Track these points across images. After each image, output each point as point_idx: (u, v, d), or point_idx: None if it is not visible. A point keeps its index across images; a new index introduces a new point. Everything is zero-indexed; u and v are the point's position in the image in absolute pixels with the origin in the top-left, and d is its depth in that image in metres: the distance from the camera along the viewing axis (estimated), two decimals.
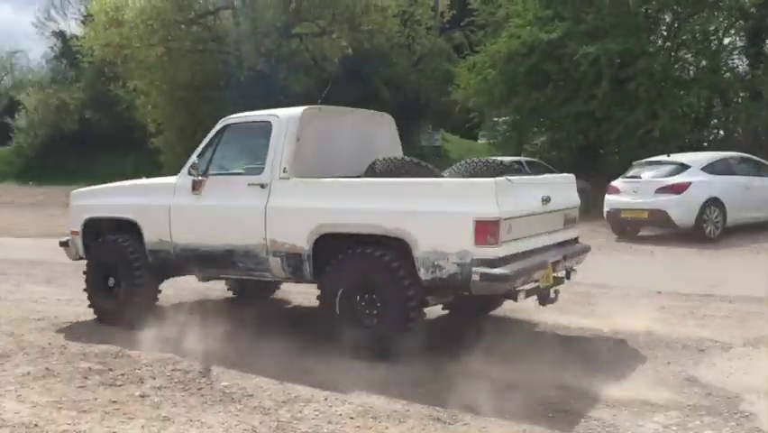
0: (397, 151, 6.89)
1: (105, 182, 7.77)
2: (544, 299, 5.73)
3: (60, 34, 41.67)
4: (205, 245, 6.24)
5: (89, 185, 8.10)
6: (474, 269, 5.05)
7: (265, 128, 6.11)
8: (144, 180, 7.43)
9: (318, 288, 5.65)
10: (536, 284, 5.53)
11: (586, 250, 6.52)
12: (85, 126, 33.88)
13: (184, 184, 6.45)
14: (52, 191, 27.68)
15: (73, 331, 6.50)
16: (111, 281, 6.76)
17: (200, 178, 6.33)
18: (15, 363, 5.51)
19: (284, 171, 5.88)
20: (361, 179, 5.99)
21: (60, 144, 33.39)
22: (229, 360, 5.42)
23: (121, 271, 6.66)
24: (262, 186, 5.95)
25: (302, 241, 5.68)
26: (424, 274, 5.22)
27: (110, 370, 5.31)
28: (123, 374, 5.21)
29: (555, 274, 5.69)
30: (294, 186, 5.85)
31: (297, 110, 6.11)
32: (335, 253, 5.53)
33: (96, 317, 6.87)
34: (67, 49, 38.31)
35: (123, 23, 24.96)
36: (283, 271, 5.87)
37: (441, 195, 5.35)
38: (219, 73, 24.63)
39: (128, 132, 31.79)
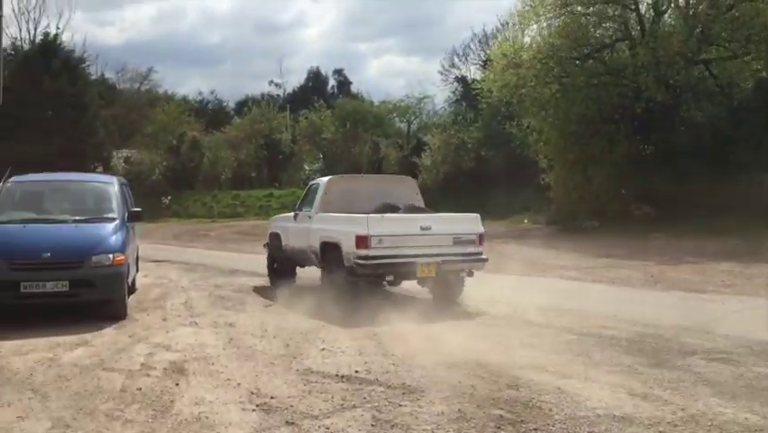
0: (415, 199, 11.68)
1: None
2: (421, 283, 10.36)
3: (462, 79, 45.24)
4: (296, 247, 11.84)
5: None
6: (354, 260, 9.51)
7: (318, 187, 11.67)
8: (286, 213, 13.46)
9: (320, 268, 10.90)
10: (415, 274, 9.75)
11: (479, 260, 10.21)
12: (480, 164, 36.00)
13: (292, 216, 12.29)
14: None
15: (479, 369, 6.42)
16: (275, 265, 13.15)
17: (296, 213, 12.08)
18: (429, 400, 5.54)
19: (317, 211, 11.21)
20: (328, 214, 10.93)
21: (459, 181, 35.93)
22: None
23: (277, 258, 12.94)
24: (309, 217, 11.38)
25: (317, 245, 10.76)
26: (346, 262, 9.75)
27: (521, 422, 5.00)
28: (535, 429, 4.85)
29: (428, 270, 9.62)
30: (319, 218, 11.06)
31: (327, 177, 12.08)
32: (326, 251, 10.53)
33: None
34: (467, 92, 41.38)
35: (521, 63, 25.75)
36: (315, 261, 11.13)
37: (351, 222, 9.96)
38: (614, 106, 23.78)
39: (520, 169, 32.86)
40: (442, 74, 45.47)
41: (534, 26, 26.39)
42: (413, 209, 10.88)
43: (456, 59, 45.04)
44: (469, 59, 44.98)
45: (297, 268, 12.47)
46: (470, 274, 10.17)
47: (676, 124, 23.02)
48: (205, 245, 23.28)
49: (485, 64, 43.18)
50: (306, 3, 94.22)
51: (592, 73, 24.67)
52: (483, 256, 10.21)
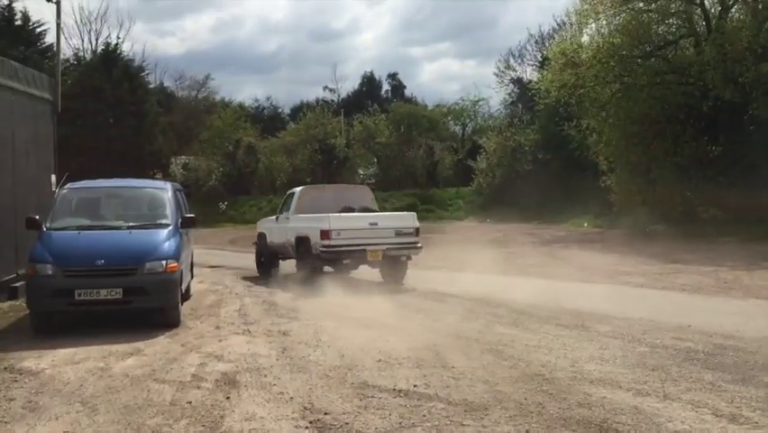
0: (369, 203, 14.97)
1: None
2: (371, 265, 13.29)
3: (518, 81, 44.58)
4: (278, 243, 14.93)
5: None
6: (320, 249, 12.75)
7: (294, 195, 14.92)
8: (269, 217, 16.66)
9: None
10: (366, 259, 12.91)
11: (415, 248, 13.42)
12: (537, 166, 35.32)
13: (274, 219, 15.50)
14: (509, 229, 29.13)
15: (546, 384, 5.99)
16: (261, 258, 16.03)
17: (277, 216, 15.30)
18: (494, 419, 5.16)
19: (293, 213, 14.34)
20: (301, 215, 14.11)
21: (515, 183, 35.32)
22: None
23: (263, 253, 15.85)
24: (287, 218, 14.49)
25: (293, 239, 13.83)
26: (314, 251, 12.99)
27: None
28: None
29: (375, 255, 12.82)
30: (294, 218, 14.18)
31: (301, 187, 15.77)
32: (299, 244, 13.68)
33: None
34: (523, 93, 40.71)
35: (580, 63, 25.05)
36: (292, 253, 14.17)
37: (317, 220, 13.06)
38: (678, 106, 22.84)
39: (578, 171, 32.10)
40: (497, 76, 44.85)
41: (593, 24, 25.72)
42: (365, 210, 14.42)
43: (512, 61, 44.31)
44: (525, 60, 44.12)
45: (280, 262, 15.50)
46: (409, 258, 13.47)
47: (745, 124, 21.94)
48: None
49: (542, 65, 42.52)
50: (361, 8, 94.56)
51: (655, 71, 23.76)
52: (419, 245, 13.47)
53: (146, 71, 45.74)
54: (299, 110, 54.80)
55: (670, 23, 24.20)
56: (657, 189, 23.76)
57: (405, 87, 70.85)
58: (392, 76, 72.59)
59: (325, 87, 67.84)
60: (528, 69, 44.67)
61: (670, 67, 23.64)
